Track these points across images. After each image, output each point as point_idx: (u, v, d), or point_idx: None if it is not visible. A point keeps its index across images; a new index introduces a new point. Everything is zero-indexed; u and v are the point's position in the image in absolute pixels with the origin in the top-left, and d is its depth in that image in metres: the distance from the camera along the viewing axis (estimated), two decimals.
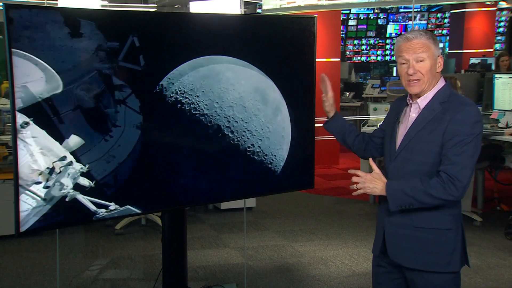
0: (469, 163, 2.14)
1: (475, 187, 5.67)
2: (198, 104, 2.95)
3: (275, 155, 3.23)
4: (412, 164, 2.24)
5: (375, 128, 2.64)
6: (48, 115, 2.50)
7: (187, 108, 2.92)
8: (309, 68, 3.30)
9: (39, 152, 2.50)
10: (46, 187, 2.54)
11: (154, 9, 8.95)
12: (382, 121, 2.64)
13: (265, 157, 3.19)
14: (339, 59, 8.60)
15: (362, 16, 15.51)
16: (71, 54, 2.53)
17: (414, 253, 2.25)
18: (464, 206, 5.35)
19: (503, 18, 15.10)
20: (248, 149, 3.12)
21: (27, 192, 2.50)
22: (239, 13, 6.03)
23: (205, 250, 4.75)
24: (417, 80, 2.22)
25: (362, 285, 4.00)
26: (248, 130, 3.11)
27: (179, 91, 2.87)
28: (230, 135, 3.06)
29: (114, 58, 2.65)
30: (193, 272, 4.23)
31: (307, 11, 7.62)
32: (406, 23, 15.57)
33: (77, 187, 2.62)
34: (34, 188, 2.52)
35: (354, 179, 2.27)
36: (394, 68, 13.59)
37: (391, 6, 14.78)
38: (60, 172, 2.57)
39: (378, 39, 15.80)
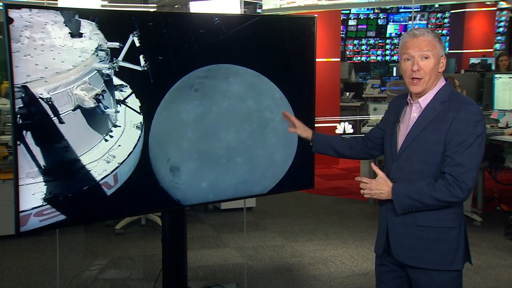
0: (474, 164, 2.14)
1: (475, 187, 5.66)
2: (198, 104, 2.96)
3: (275, 155, 3.23)
4: (415, 164, 2.24)
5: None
6: (48, 115, 2.50)
7: (188, 108, 2.92)
8: (309, 68, 3.30)
9: (39, 152, 2.50)
10: (45, 186, 2.54)
11: (154, 9, 8.95)
12: (380, 121, 2.63)
13: (266, 157, 3.19)
14: (339, 59, 8.61)
15: (362, 16, 15.50)
16: (71, 54, 2.53)
17: (418, 251, 2.25)
18: (464, 206, 5.38)
19: (503, 18, 15.10)
20: (248, 149, 3.12)
21: (27, 191, 2.50)
22: (239, 13, 6.03)
23: (205, 250, 4.75)
24: (419, 78, 2.22)
25: (362, 285, 4.00)
26: (248, 130, 3.11)
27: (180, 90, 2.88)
28: (231, 135, 3.06)
29: (114, 58, 2.65)
30: (193, 272, 4.22)
31: (307, 11, 7.62)
32: (406, 23, 15.57)
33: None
34: (34, 187, 2.52)
35: (361, 185, 2.28)
36: (394, 68, 13.61)
37: (391, 6, 14.78)
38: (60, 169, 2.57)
39: (378, 39, 15.79)
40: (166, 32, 2.80)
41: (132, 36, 2.69)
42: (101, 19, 2.62)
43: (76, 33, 2.54)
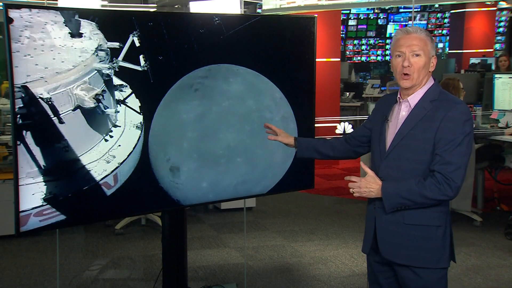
0: (462, 163, 2.16)
1: (475, 187, 5.67)
2: (198, 104, 2.96)
3: (275, 155, 3.23)
4: (405, 163, 2.25)
5: None
6: (48, 115, 2.50)
7: (188, 108, 2.92)
8: (309, 68, 3.30)
9: (39, 152, 2.50)
10: (45, 186, 2.54)
11: (154, 9, 8.95)
12: (367, 119, 2.62)
13: (266, 157, 3.19)
14: (339, 59, 8.60)
15: (362, 16, 15.51)
16: (71, 54, 2.53)
17: (405, 249, 2.27)
18: (464, 206, 5.40)
19: (503, 18, 15.12)
20: (248, 149, 3.12)
21: (27, 191, 2.50)
22: (239, 13, 6.03)
23: (205, 250, 4.75)
24: (409, 74, 2.24)
25: (362, 285, 4.00)
26: (248, 130, 3.11)
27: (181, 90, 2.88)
28: (231, 135, 3.06)
29: (114, 58, 2.65)
30: (193, 272, 4.22)
31: (307, 11, 7.62)
32: (406, 23, 15.57)
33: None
34: (34, 187, 2.52)
35: (350, 184, 2.30)
36: None
37: (391, 6, 14.78)
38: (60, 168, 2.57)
39: (378, 39, 15.81)
40: (166, 32, 2.80)
41: (132, 36, 2.69)
42: (101, 19, 2.62)
43: (76, 33, 2.54)
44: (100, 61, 2.62)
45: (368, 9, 15.20)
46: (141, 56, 2.73)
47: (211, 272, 4.27)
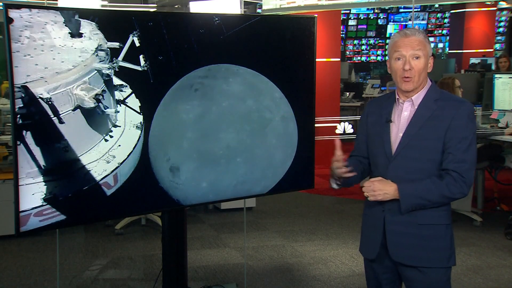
0: (474, 161, 2.21)
1: (475, 187, 5.67)
2: (198, 104, 2.96)
3: (275, 155, 3.23)
4: (413, 163, 2.24)
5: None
6: (48, 115, 2.50)
7: (188, 108, 2.92)
8: (309, 68, 3.30)
9: (39, 152, 2.50)
10: (45, 186, 2.54)
11: (154, 9, 8.95)
12: (358, 130, 2.50)
13: (266, 157, 3.19)
14: (339, 59, 8.60)
15: (362, 16, 15.51)
16: (71, 54, 2.53)
17: (417, 250, 2.25)
18: (464, 206, 5.39)
19: (503, 18, 15.11)
20: (248, 149, 3.12)
21: (27, 191, 2.50)
22: (239, 13, 6.03)
23: (205, 250, 4.75)
24: (410, 77, 2.23)
25: (362, 285, 3.99)
26: (248, 130, 3.11)
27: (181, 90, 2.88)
28: (231, 135, 3.06)
29: (114, 58, 2.65)
30: (193, 272, 4.22)
31: (307, 11, 7.62)
32: (406, 23, 15.57)
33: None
34: (34, 187, 2.52)
35: (364, 189, 2.26)
36: None
37: (391, 6, 14.78)
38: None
39: (378, 39, 15.80)
40: (166, 32, 2.80)
41: (132, 36, 2.69)
42: (101, 19, 2.62)
43: (76, 33, 2.54)
44: (100, 61, 2.62)
45: (368, 9, 15.19)
46: (141, 56, 2.73)
47: (211, 272, 4.27)
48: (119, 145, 2.72)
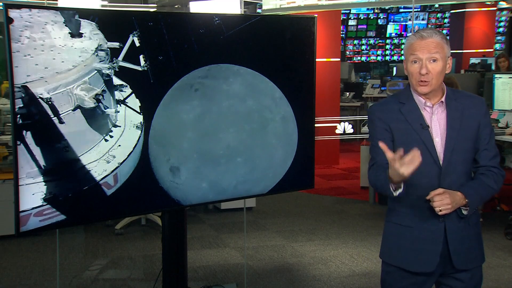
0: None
1: None
2: (198, 104, 2.96)
3: (275, 155, 3.23)
4: (460, 166, 2.20)
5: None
6: (48, 115, 2.50)
7: (188, 108, 2.92)
8: (309, 68, 3.30)
9: (39, 152, 2.50)
10: (45, 186, 2.54)
11: (154, 9, 8.95)
12: (377, 137, 2.24)
13: (266, 157, 3.19)
14: (339, 59, 8.60)
15: (362, 16, 15.50)
16: (71, 54, 2.53)
17: (472, 251, 2.25)
18: None
19: (503, 18, 15.10)
20: (248, 149, 3.12)
21: (27, 191, 2.50)
22: (239, 13, 6.03)
23: (205, 250, 4.75)
24: (427, 81, 2.14)
25: (362, 285, 3.99)
26: (248, 130, 3.11)
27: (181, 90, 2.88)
28: (231, 135, 3.06)
29: (114, 58, 2.65)
30: (193, 272, 4.22)
31: (307, 11, 7.62)
32: (406, 23, 15.57)
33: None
34: (34, 187, 2.52)
35: (436, 204, 2.09)
36: (394, 68, 13.59)
37: (391, 6, 14.78)
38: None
39: (378, 39, 15.79)
40: (166, 32, 2.80)
41: (132, 36, 2.69)
42: (101, 19, 2.62)
43: (76, 33, 2.54)
44: (100, 61, 2.62)
45: (368, 9, 15.19)
46: (141, 56, 2.73)
47: (211, 272, 4.27)
48: (119, 145, 2.72)
